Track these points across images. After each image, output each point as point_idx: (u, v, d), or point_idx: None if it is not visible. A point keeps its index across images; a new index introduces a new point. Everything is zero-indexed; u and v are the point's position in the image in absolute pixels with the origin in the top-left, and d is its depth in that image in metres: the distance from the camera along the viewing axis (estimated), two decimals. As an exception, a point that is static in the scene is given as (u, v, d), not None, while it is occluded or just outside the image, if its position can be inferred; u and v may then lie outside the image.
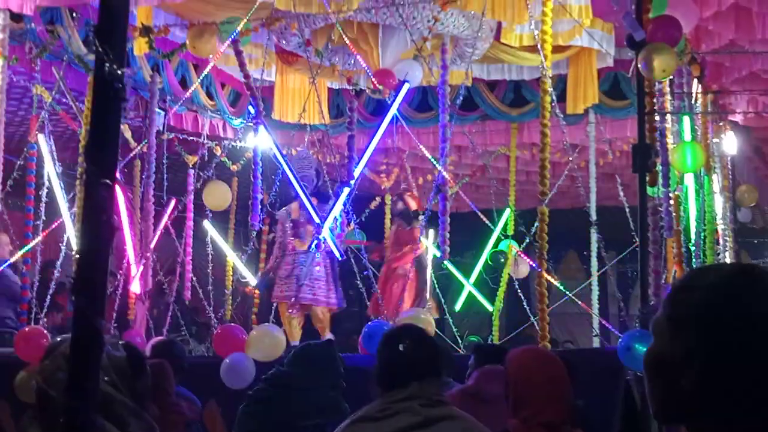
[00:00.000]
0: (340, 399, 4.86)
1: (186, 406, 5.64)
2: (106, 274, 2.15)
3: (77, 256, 1.85)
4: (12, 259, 8.71)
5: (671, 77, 7.61)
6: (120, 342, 2.50)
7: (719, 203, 9.61)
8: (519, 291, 9.67)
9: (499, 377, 4.37)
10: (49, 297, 8.57)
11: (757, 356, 1.46)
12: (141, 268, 8.45)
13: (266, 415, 4.83)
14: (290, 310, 8.88)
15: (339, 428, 3.28)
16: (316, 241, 8.31)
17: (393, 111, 8.54)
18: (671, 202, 7.72)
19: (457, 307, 10.34)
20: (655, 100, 7.02)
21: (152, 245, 8.49)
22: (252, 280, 9.96)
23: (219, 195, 9.67)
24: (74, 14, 8.46)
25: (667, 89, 7.99)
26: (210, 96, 10.54)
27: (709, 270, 1.63)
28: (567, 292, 8.31)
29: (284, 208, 9.37)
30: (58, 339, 2.68)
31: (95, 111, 2.18)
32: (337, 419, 4.68)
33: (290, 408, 4.74)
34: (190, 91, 9.55)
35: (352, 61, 9.14)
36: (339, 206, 8.37)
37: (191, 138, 10.51)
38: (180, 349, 6.44)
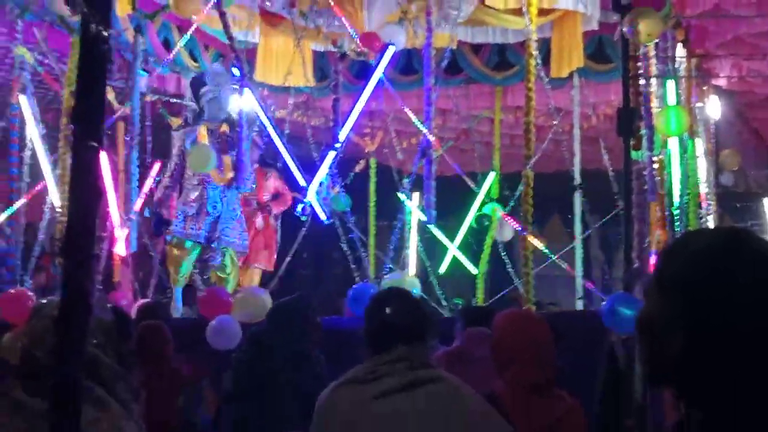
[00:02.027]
0: (310, 350, 4.88)
1: (184, 365, 5.67)
2: (94, 237, 2.14)
3: (65, 219, 1.85)
4: (-4, 221, 8.68)
5: (656, 41, 7.60)
6: (108, 306, 2.51)
7: (702, 167, 9.64)
8: (503, 254, 9.71)
9: (484, 339, 4.41)
10: (33, 259, 8.55)
11: (743, 320, 1.46)
12: (126, 230, 8.42)
13: (248, 375, 4.86)
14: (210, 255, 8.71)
15: (326, 390, 3.29)
16: (302, 205, 8.30)
17: (378, 74, 8.51)
18: (655, 165, 7.74)
19: (442, 270, 10.37)
20: (639, 64, 7.02)
21: (137, 208, 8.46)
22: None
23: (204, 158, 9.64)
24: (55, -26, 8.37)
25: (652, 53, 7.98)
26: (193, 58, 10.46)
27: (698, 234, 1.64)
28: (551, 255, 8.36)
29: (184, 130, 8.97)
30: (44, 301, 2.68)
31: (81, 73, 2.17)
32: (308, 371, 4.73)
33: (267, 365, 4.78)
34: (173, 52, 9.48)
35: (337, 24, 9.09)
36: (324, 169, 8.35)
37: (174, 100, 10.45)
38: (166, 311, 6.46)
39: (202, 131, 8.74)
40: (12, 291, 7.53)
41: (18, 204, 8.43)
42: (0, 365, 2.67)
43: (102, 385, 2.30)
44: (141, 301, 7.79)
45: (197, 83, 9.11)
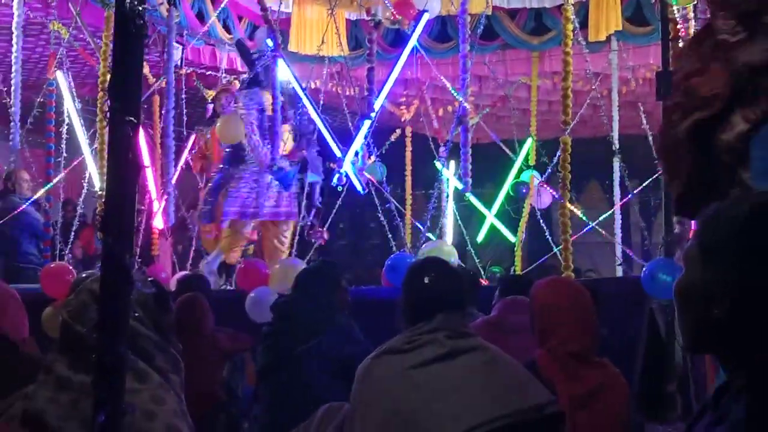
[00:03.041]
0: (333, 314, 4.85)
1: (225, 337, 5.69)
2: (134, 212, 2.15)
3: (104, 194, 1.85)
4: (35, 197, 8.76)
5: (695, 2, 7.48)
6: (149, 279, 2.52)
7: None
8: (541, 221, 9.65)
9: (522, 308, 4.38)
10: (72, 233, 8.64)
11: None
12: (163, 203, 8.48)
13: (275, 348, 4.87)
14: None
15: (365, 360, 3.30)
16: (338, 176, 8.29)
17: (413, 42, 8.46)
18: (695, 129, 7.62)
19: (480, 238, 10.34)
20: (679, 26, 6.91)
21: (173, 181, 8.50)
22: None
23: (231, 128, 9.65)
24: (89, -52, 8.40)
25: (691, 14, 7.85)
26: (227, 29, 10.46)
27: (741, 199, 1.62)
28: (590, 222, 8.30)
29: (246, 92, 8.76)
30: (83, 275, 2.69)
31: (117, 48, 2.16)
32: (336, 335, 4.72)
33: (291, 336, 4.78)
34: (208, 24, 9.48)
35: (371, -8, 9.04)
36: (360, 139, 8.33)
37: (209, 72, 10.46)
38: (205, 283, 6.50)
39: (268, 97, 8.71)
40: (52, 265, 7.61)
41: (56, 179, 8.50)
42: (44, 338, 2.69)
43: (141, 358, 2.32)
44: (180, 274, 7.84)
45: (243, 46, 9.08)
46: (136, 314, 2.34)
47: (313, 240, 8.83)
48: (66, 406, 2.23)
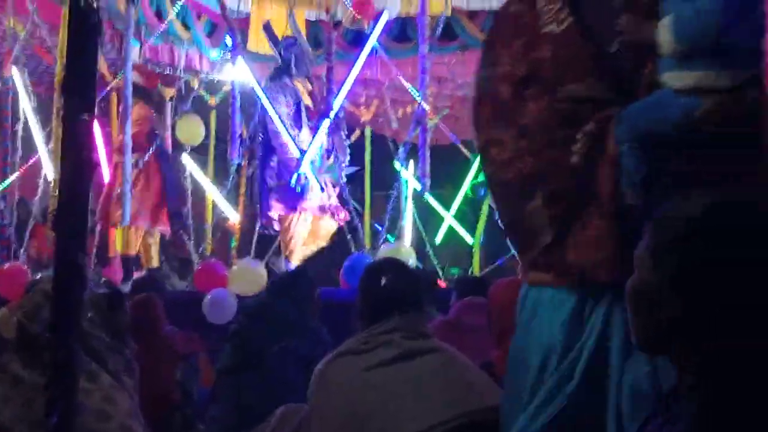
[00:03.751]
0: (308, 319, 4.87)
1: (179, 338, 5.66)
2: (87, 210, 2.13)
3: (57, 192, 1.83)
4: (-11, 196, 8.66)
5: None
6: (102, 280, 2.50)
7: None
8: (500, 223, 9.69)
9: (479, 309, 4.41)
10: (27, 233, 8.54)
11: (743, 276, 1.46)
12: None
13: (244, 346, 4.86)
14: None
15: (321, 362, 3.30)
16: (296, 176, 8.25)
17: (372, 42, 8.47)
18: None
19: (438, 239, 10.36)
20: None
21: (130, 180, 8.43)
22: (232, 214, 9.93)
23: (192, 129, 9.59)
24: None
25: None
26: (186, 27, 10.39)
27: (691, 198, 1.63)
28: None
29: (275, 83, 8.50)
30: (38, 276, 2.67)
31: (71, 45, 2.14)
32: (305, 338, 4.72)
33: (264, 334, 4.78)
34: (166, 21, 9.40)
35: (330, -9, 9.02)
36: (319, 139, 8.31)
37: (167, 71, 10.38)
38: (161, 285, 6.45)
39: (302, 89, 8.56)
40: (6, 265, 7.52)
41: (11, 178, 8.40)
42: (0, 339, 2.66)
43: (93, 359, 2.30)
44: (136, 275, 7.78)
45: (270, 31, 8.89)
46: (90, 315, 2.32)
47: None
48: (20, 406, 2.21)
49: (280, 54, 8.64)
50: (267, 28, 8.97)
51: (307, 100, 8.45)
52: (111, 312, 2.43)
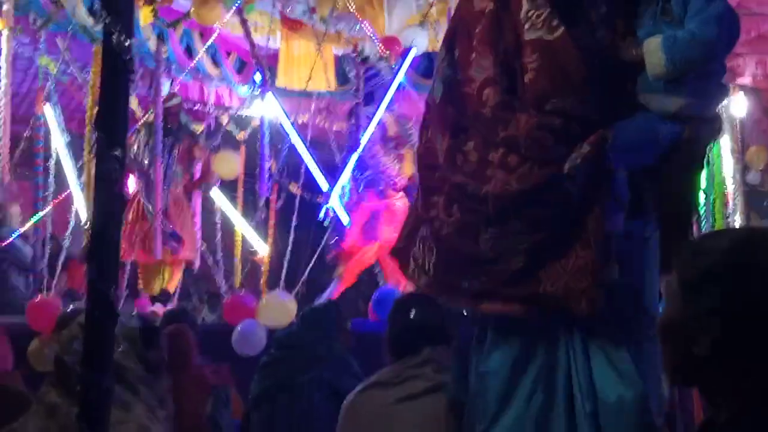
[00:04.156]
0: (339, 349, 4.87)
1: (209, 371, 5.66)
2: (119, 245, 2.16)
3: (89, 227, 1.86)
4: (22, 230, 8.74)
5: None
6: (133, 314, 2.52)
7: (728, 166, 9.55)
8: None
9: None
10: (59, 267, 8.60)
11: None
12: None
13: (274, 375, 4.86)
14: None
15: (352, 393, 3.30)
16: (324, 209, 8.29)
17: (400, 77, 8.51)
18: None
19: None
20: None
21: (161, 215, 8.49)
22: (261, 247, 9.96)
23: (229, 164, 9.67)
24: (78, -17, 8.42)
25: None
26: (216, 64, 10.49)
27: (720, 234, 1.64)
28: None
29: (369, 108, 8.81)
30: (70, 308, 2.69)
31: (104, 83, 2.18)
32: (336, 368, 4.71)
33: (291, 365, 4.78)
34: (196, 59, 9.51)
35: (358, 28, 9.09)
36: (347, 173, 8.35)
37: (197, 107, 10.47)
38: (191, 318, 6.47)
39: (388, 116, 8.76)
40: (38, 299, 7.57)
41: (44, 212, 8.49)
42: (30, 372, 2.69)
43: (128, 389, 2.32)
44: (166, 308, 7.81)
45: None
46: (123, 348, 2.35)
47: None
48: None
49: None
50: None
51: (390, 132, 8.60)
52: (145, 346, 2.45)
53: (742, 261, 1.50)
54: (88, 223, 7.70)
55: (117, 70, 2.14)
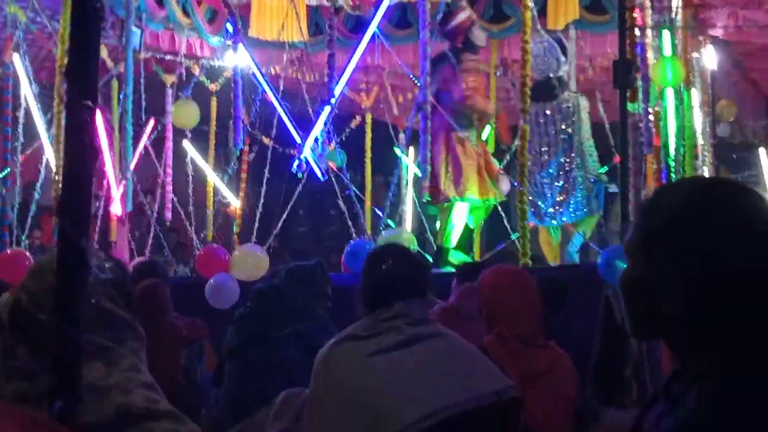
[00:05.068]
0: (316, 306, 4.88)
1: (185, 325, 5.66)
2: (90, 195, 2.14)
3: (60, 178, 1.83)
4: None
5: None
6: (107, 264, 2.46)
7: (698, 118, 9.60)
8: (499, 208, 9.71)
9: (479, 294, 4.43)
10: (30, 219, 8.55)
11: (736, 268, 1.44)
12: (121, 189, 8.41)
13: (251, 328, 4.87)
14: None
15: (324, 347, 3.31)
16: (297, 162, 8.26)
17: (373, 28, 8.44)
18: (651, 117, 7.72)
19: (438, 224, 10.36)
20: (636, 15, 6.97)
21: (132, 166, 8.43)
22: (234, 200, 9.94)
23: (187, 113, 9.61)
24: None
25: (648, 3, 7.92)
26: (186, 14, 10.37)
27: (673, 188, 1.60)
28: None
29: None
30: (43, 258, 2.63)
31: (74, 32, 2.15)
32: (312, 324, 4.73)
33: (269, 319, 4.78)
34: (166, 9, 9.39)
35: (331, -23, 9.00)
36: (320, 125, 8.32)
37: (168, 57, 10.38)
38: (163, 270, 6.45)
39: None
40: (9, 251, 7.53)
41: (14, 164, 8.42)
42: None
43: (115, 339, 2.24)
44: (137, 260, 7.79)
45: None
46: (111, 295, 2.27)
47: None
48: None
49: None
50: None
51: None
52: (128, 289, 2.38)
53: (699, 214, 1.47)
54: (59, 173, 7.65)
55: (86, 17, 2.10)
